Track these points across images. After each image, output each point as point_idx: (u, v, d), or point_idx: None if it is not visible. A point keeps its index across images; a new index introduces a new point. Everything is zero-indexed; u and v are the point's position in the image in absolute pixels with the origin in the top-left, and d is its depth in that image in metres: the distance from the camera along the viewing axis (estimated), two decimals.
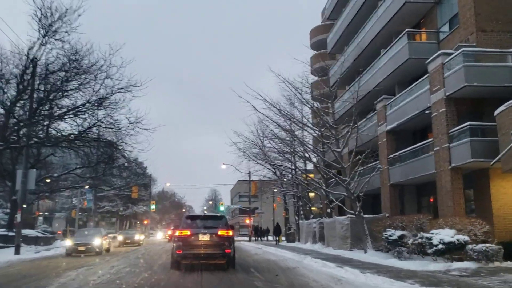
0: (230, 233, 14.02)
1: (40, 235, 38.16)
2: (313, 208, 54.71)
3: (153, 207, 76.10)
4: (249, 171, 46.76)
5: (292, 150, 30.64)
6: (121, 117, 23.75)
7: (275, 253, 23.07)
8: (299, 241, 34.86)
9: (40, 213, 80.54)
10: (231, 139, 51.53)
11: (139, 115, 22.21)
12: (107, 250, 24.83)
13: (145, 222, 79.47)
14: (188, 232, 13.76)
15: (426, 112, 17.88)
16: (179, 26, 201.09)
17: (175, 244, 13.85)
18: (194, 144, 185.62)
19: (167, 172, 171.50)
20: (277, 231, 43.72)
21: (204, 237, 13.60)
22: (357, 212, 19.77)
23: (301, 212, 33.43)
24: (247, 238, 62.16)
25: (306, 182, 30.56)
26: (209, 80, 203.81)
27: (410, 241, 16.57)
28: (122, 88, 22.15)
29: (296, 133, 31.12)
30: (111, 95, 22.28)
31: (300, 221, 32.08)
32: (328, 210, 25.87)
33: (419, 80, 19.08)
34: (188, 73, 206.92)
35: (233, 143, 41.39)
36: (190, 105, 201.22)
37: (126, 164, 60.28)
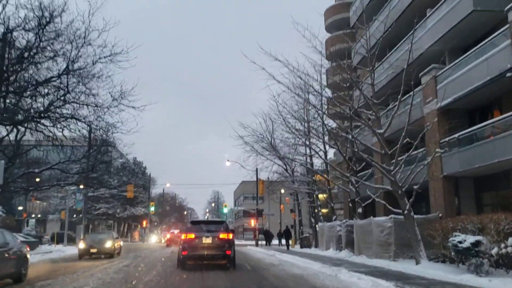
0: (230, 236, 15.16)
1: (21, 239, 33.77)
2: (323, 210, 50.06)
3: (152, 209, 71.42)
4: (256, 169, 42.25)
5: (308, 138, 26.11)
6: (101, 92, 19.02)
7: (296, 263, 18.47)
8: (316, 246, 30.22)
9: (33, 216, 76.26)
10: (237, 132, 46.83)
11: (125, 89, 17.67)
12: (18, 277, 11.53)
13: (144, 225, 74.69)
14: (192, 236, 14.79)
15: (508, 75, 13.28)
16: (179, 26, 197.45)
17: (181, 246, 14.91)
18: (195, 145, 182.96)
19: (167, 174, 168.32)
20: (287, 235, 39.18)
21: (207, 240, 14.67)
22: (406, 212, 15.16)
23: (320, 213, 28.79)
24: (252, 242, 57.53)
25: (326, 177, 25.97)
26: (209, 80, 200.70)
27: (493, 251, 11.95)
28: (105, 57, 17.69)
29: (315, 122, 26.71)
30: (92, 65, 17.83)
31: (320, 224, 27.44)
32: (360, 210, 21.21)
33: (493, 36, 14.48)
34: (188, 73, 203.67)
35: (239, 136, 37.24)
36: (190, 105, 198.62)
37: (120, 159, 55.81)
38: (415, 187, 15.11)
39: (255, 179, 49.03)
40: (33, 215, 75.56)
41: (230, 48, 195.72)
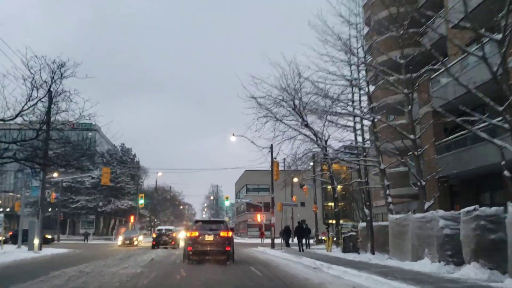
0: (230, 234, 17.05)
1: None
2: (329, 204, 39.37)
3: (141, 201, 60.51)
4: (271, 145, 31.32)
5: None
6: None
7: None
8: (372, 252, 19.53)
9: (1, 210, 65.43)
10: (248, 90, 34.45)
11: None
12: None
13: (132, 220, 63.66)
14: (196, 233, 16.75)
15: None
16: (180, 28, 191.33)
17: (186, 243, 17.06)
18: (194, 145, 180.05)
19: (166, 173, 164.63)
20: (299, 233, 28.73)
21: (209, 237, 16.61)
22: None
23: (389, 200, 17.87)
24: (258, 241, 46.97)
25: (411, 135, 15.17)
26: (208, 80, 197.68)
27: None
28: None
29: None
30: None
31: (392, 216, 16.45)
32: None
33: None
34: (188, 75, 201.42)
35: (251, 97, 26.99)
36: (190, 106, 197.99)
37: (88, 131, 45.03)
38: None
39: (259, 168, 40.31)
40: (1, 209, 64.76)
41: (230, 50, 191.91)
